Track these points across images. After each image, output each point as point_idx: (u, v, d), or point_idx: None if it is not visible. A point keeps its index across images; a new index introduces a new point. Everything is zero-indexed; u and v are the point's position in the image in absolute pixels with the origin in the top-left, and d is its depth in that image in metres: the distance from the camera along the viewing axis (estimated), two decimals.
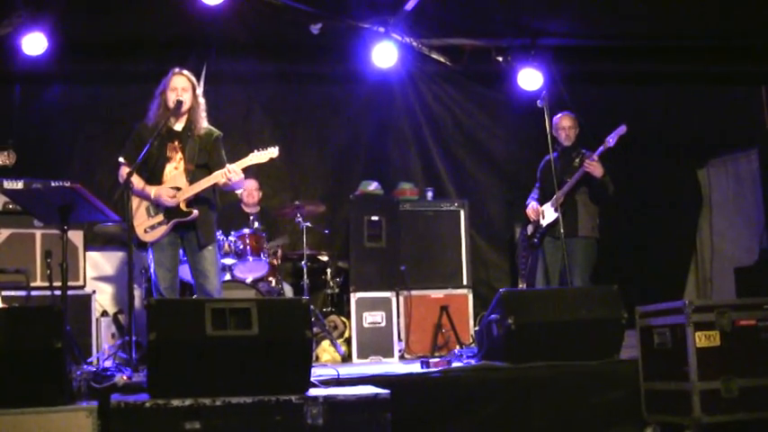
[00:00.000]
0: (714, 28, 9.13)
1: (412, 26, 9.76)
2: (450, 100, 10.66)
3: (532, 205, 8.70)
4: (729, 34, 9.23)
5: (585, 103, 9.51)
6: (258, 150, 7.09)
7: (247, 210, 9.40)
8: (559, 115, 8.61)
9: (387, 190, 9.68)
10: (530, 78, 9.77)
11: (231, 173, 6.81)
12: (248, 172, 9.25)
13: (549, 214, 8.49)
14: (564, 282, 8.18)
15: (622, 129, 8.19)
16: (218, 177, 6.84)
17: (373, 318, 8.68)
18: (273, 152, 7.11)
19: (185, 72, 7.04)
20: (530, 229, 8.74)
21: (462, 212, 9.50)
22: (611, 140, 8.20)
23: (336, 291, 9.59)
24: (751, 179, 9.74)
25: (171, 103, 6.87)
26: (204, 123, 7.07)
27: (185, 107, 6.91)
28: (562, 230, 7.89)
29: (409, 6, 9.17)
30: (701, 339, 6.04)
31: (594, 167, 8.22)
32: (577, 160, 8.48)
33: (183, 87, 6.93)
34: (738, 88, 9.66)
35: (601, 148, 8.24)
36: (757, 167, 9.69)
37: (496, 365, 6.55)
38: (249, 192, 9.42)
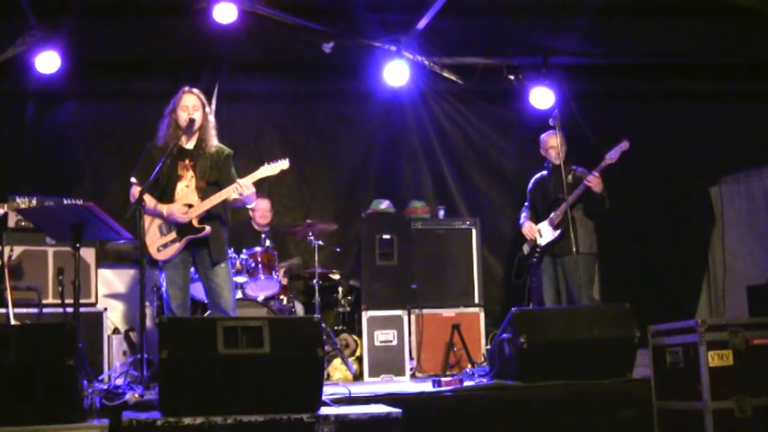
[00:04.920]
0: (726, 45, 9.13)
1: (424, 45, 9.82)
2: (462, 118, 10.66)
3: (528, 224, 8.70)
4: (741, 51, 9.22)
5: (597, 121, 9.53)
6: (269, 163, 7.08)
7: (259, 228, 9.40)
8: (546, 134, 8.58)
9: (398, 208, 9.67)
10: (541, 97, 9.81)
11: (242, 187, 6.81)
12: (262, 192, 9.29)
13: (546, 233, 8.49)
14: (571, 300, 8.18)
15: (625, 144, 8.15)
16: (229, 192, 6.85)
17: (385, 336, 8.67)
18: (284, 164, 7.09)
19: (195, 90, 7.06)
20: (526, 248, 8.72)
21: (474, 231, 9.49)
22: (612, 156, 8.17)
23: (348, 309, 9.58)
24: (763, 197, 9.69)
25: (183, 122, 6.89)
26: (215, 141, 7.08)
27: (197, 125, 6.93)
28: (577, 248, 7.85)
29: (421, 25, 9.21)
30: (714, 358, 6.02)
31: (596, 183, 8.19)
32: (570, 177, 8.46)
33: (193, 106, 6.95)
34: (751, 105, 9.64)
35: (602, 165, 8.21)
36: None
37: (508, 384, 6.54)
38: (263, 213, 9.41)
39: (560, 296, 8.45)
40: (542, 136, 8.60)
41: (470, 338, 8.99)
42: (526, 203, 8.94)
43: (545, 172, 8.61)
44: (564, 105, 9.41)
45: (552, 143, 8.55)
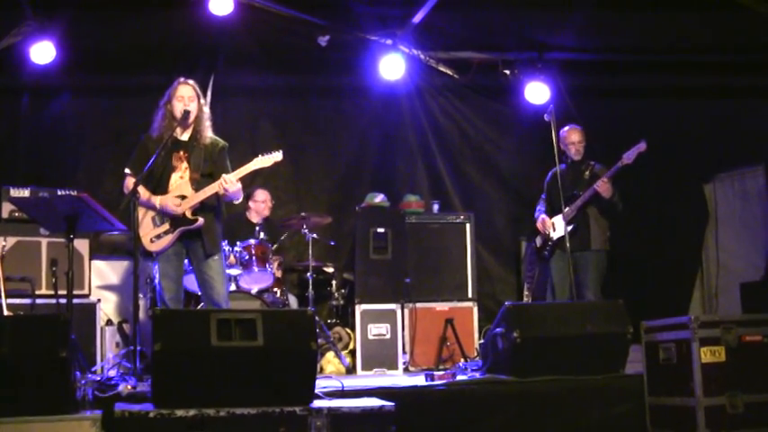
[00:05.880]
0: (721, 42, 9.12)
1: (419, 39, 9.81)
2: (458, 113, 10.67)
3: (542, 217, 8.68)
4: (737, 48, 9.22)
5: (592, 116, 9.51)
6: (262, 155, 7.06)
7: (253, 220, 9.39)
8: (567, 129, 8.56)
9: (393, 202, 9.67)
10: (536, 92, 9.80)
11: (228, 183, 6.76)
12: (258, 184, 9.28)
13: (560, 227, 8.46)
14: (577, 295, 8.14)
15: (642, 146, 8.12)
16: (215, 187, 6.83)
17: (378, 330, 8.67)
18: (278, 156, 7.07)
19: (190, 81, 7.04)
20: (539, 241, 8.72)
21: (468, 225, 9.50)
22: (629, 157, 8.15)
23: (341, 302, 9.58)
24: (757, 195, 9.69)
25: (178, 113, 6.86)
26: (209, 132, 7.05)
27: (192, 117, 6.91)
28: (568, 245, 7.85)
29: (417, 19, 9.21)
30: (707, 355, 6.03)
31: (605, 189, 8.18)
32: (587, 173, 8.47)
33: (189, 97, 6.93)
34: (746, 103, 9.64)
35: (618, 165, 8.19)
36: (764, 183, 9.65)
37: (501, 379, 6.54)
38: (264, 204, 9.39)
39: (564, 292, 8.40)
40: (563, 130, 8.54)
41: (463, 333, 8.99)
42: (543, 196, 8.89)
43: (562, 165, 8.52)
44: (559, 101, 9.40)
45: (573, 138, 8.58)
